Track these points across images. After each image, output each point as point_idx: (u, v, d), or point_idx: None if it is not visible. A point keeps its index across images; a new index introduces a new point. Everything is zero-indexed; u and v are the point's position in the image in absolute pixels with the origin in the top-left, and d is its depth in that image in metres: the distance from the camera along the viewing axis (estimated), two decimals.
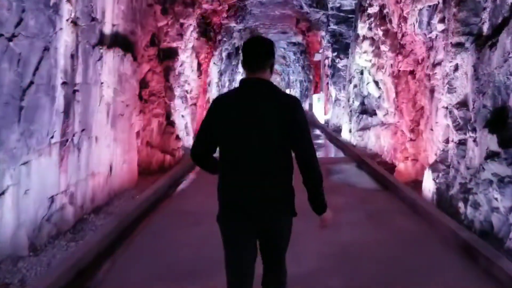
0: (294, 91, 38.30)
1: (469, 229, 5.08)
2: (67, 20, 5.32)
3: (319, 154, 12.08)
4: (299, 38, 25.22)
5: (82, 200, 5.93)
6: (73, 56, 5.53)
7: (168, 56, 10.60)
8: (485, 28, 5.88)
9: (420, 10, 7.51)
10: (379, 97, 12.08)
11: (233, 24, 18.94)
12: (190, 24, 11.55)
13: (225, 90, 23.41)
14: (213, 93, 18.14)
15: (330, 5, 15.45)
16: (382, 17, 10.90)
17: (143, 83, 8.75)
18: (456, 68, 6.33)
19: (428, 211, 5.69)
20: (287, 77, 47.15)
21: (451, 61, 6.39)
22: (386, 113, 11.21)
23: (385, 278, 4.09)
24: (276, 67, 48.38)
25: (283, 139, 2.52)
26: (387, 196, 6.96)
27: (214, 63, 17.93)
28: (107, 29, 6.61)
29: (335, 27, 16.72)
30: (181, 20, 10.87)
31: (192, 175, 8.76)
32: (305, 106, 26.15)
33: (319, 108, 20.57)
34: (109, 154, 6.80)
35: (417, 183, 7.50)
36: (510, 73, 4.98)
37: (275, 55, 2.74)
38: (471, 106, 5.95)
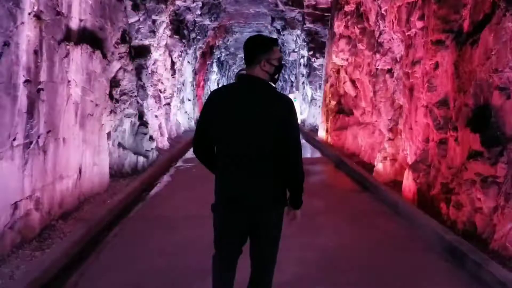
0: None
1: (452, 230, 4.96)
2: (29, 13, 4.97)
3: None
4: (274, 37, 25.06)
5: (49, 205, 5.58)
6: (36, 53, 5.17)
7: (140, 54, 10.27)
8: (466, 25, 5.79)
9: (399, 7, 7.39)
10: (356, 96, 11.99)
11: (207, 22, 18.62)
12: (163, 21, 11.22)
13: (200, 89, 23.07)
14: (187, 92, 17.82)
15: (305, 3, 15.29)
16: (359, 15, 10.80)
17: (114, 82, 8.40)
18: (436, 66, 6.23)
19: (410, 212, 5.55)
20: None
21: (431, 59, 6.28)
22: (363, 112, 11.11)
23: (370, 285, 3.91)
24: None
25: (276, 136, 2.59)
26: (367, 197, 6.81)
27: (188, 61, 17.60)
28: (74, 25, 6.27)
29: (310, 25, 16.59)
30: (153, 17, 10.54)
31: (167, 178, 8.46)
32: None
33: (295, 107, 20.42)
34: (78, 156, 6.45)
35: (396, 183, 7.39)
36: (492, 71, 4.88)
37: (267, 52, 2.68)
38: (452, 105, 5.85)
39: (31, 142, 5.07)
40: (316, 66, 17.80)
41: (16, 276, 3.91)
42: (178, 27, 14.80)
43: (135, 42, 10.05)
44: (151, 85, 11.01)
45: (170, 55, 13.95)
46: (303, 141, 14.88)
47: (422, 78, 6.56)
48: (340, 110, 12.84)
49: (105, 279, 4.08)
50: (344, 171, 8.80)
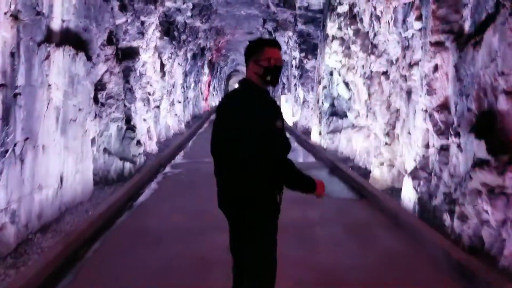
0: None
1: (457, 244, 4.67)
2: (5, 13, 4.64)
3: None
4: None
5: (27, 218, 5.23)
6: (13, 55, 4.83)
7: (128, 56, 9.92)
8: (467, 25, 5.52)
9: (395, 7, 7.13)
10: (349, 98, 11.73)
11: (198, 24, 18.31)
12: (152, 22, 10.88)
13: (190, 91, 22.73)
14: (177, 95, 17.48)
15: (298, 5, 15.04)
16: (352, 16, 10.54)
17: (100, 85, 8.06)
18: (435, 68, 5.95)
19: (413, 225, 5.22)
20: None
21: (430, 61, 6.01)
22: (358, 115, 10.85)
23: None
24: (242, 68, 48.11)
25: (245, 144, 2.55)
26: (365, 207, 6.45)
27: (178, 63, 17.26)
28: (56, 25, 5.92)
29: (303, 27, 16.33)
30: (142, 18, 10.20)
31: (154, 185, 8.10)
32: None
33: (287, 109, 20.16)
34: (59, 164, 6.10)
35: (394, 191, 7.12)
36: (498, 74, 4.60)
37: (258, 54, 2.65)
38: (453, 109, 5.57)
39: (6, 151, 4.73)
40: (308, 68, 17.54)
41: None
42: (168, 28, 14.46)
43: (123, 44, 9.71)
44: (139, 88, 10.66)
45: (160, 57, 13.60)
46: (295, 144, 14.58)
47: (420, 81, 6.29)
48: (333, 112, 12.58)
49: None
50: (339, 177, 8.49)
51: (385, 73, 8.46)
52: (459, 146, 5.23)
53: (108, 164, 8.37)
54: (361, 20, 9.94)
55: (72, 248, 4.56)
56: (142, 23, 10.25)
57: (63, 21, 6.10)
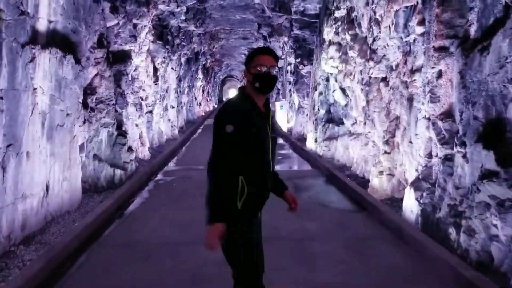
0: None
1: (464, 260, 4.42)
2: None
3: (284, 166, 11.32)
4: (260, 44, 24.55)
5: (9, 229, 4.94)
6: None
7: (120, 59, 9.65)
8: (473, 30, 5.29)
9: (396, 11, 6.90)
10: (346, 105, 11.49)
11: (192, 28, 18.05)
12: (145, 26, 10.61)
13: (184, 97, 22.45)
14: (171, 100, 17.20)
15: (293, 9, 14.79)
16: (350, 21, 10.31)
17: (90, 89, 7.78)
18: (439, 74, 5.71)
19: (418, 240, 4.92)
20: None
21: (433, 67, 5.77)
22: (355, 122, 10.61)
23: None
24: (237, 73, 47.82)
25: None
26: (365, 219, 6.11)
27: (172, 68, 16.99)
28: (42, 26, 5.65)
29: (298, 32, 16.10)
30: (134, 21, 9.93)
31: (145, 193, 7.79)
32: None
33: (282, 115, 19.91)
34: (45, 171, 5.81)
35: (394, 201, 6.86)
36: (508, 81, 4.37)
37: (250, 62, 2.69)
38: (457, 118, 5.34)
39: None
40: (304, 74, 17.31)
41: None
42: (162, 32, 14.20)
43: (114, 47, 9.43)
44: (131, 93, 10.38)
45: (153, 61, 13.33)
46: (290, 151, 14.33)
47: (423, 87, 6.05)
48: (330, 119, 12.33)
49: None
50: (336, 186, 8.22)
51: (384, 79, 8.22)
52: (464, 156, 4.99)
53: (98, 171, 8.07)
54: (359, 25, 9.72)
55: (55, 262, 4.26)
56: (135, 26, 9.98)
57: (50, 22, 5.82)
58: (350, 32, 10.21)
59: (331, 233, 5.49)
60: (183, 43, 17.78)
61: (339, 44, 11.41)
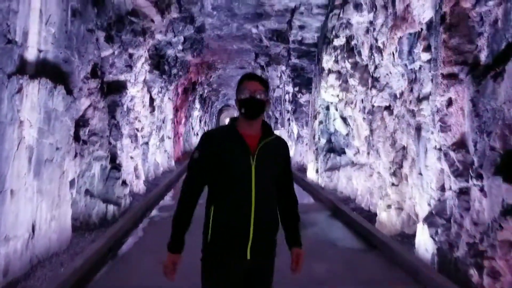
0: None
1: None
2: None
3: None
4: (257, 73, 24.46)
5: None
6: None
7: (115, 90, 9.35)
8: (483, 56, 5.04)
9: (400, 38, 6.67)
10: (347, 134, 11.21)
11: (189, 58, 17.90)
12: (141, 55, 10.38)
13: (181, 127, 22.17)
14: (167, 130, 16.90)
15: (291, 38, 14.69)
16: (349, 49, 10.13)
17: (82, 121, 7.45)
18: (449, 102, 5.43)
19: (438, 283, 4.48)
20: None
21: (442, 95, 5.49)
22: (357, 152, 10.30)
23: None
24: (233, 103, 47.85)
25: None
26: (377, 259, 5.65)
27: (169, 98, 16.75)
28: (31, 55, 5.36)
29: (296, 61, 15.96)
30: (130, 50, 9.68)
31: (139, 232, 7.36)
32: None
33: None
34: (31, 210, 5.41)
35: (404, 237, 6.47)
36: None
37: (237, 90, 2.64)
38: (471, 148, 5.01)
39: None
40: (302, 102, 17.11)
41: None
42: (158, 62, 13.99)
43: (109, 77, 9.15)
44: (126, 124, 10.05)
45: (149, 91, 13.08)
46: None
47: (432, 116, 5.75)
48: (331, 149, 12.03)
49: None
50: (342, 221, 7.79)
51: (388, 108, 7.95)
52: (482, 189, 4.65)
53: (89, 208, 7.66)
54: (359, 53, 9.53)
55: None
56: (130, 55, 9.73)
57: (39, 51, 5.53)
58: (350, 60, 10.02)
59: (342, 276, 5.05)
60: (180, 72, 17.59)
61: (338, 72, 11.20)
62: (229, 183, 2.51)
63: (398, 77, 7.32)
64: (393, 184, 7.10)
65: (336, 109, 11.52)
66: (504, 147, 4.39)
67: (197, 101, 28.00)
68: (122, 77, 9.59)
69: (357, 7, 8.58)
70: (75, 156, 6.78)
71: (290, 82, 17.69)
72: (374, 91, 8.28)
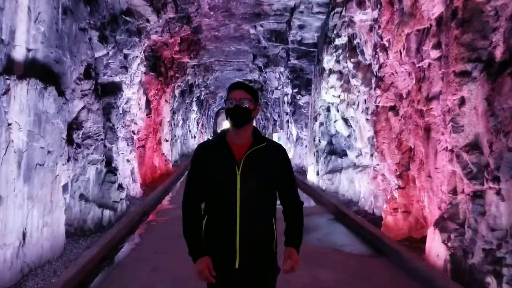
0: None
1: None
2: None
3: None
4: (255, 75, 24.17)
5: None
6: None
7: (110, 91, 9.06)
8: (499, 52, 4.77)
9: (408, 35, 6.40)
10: (349, 136, 10.95)
11: (186, 59, 17.61)
12: (137, 56, 10.09)
13: (178, 129, 21.88)
14: (165, 133, 16.61)
15: (290, 39, 14.41)
16: (352, 49, 9.87)
17: (75, 124, 7.15)
18: (461, 102, 5.14)
19: None
20: None
21: (454, 94, 5.21)
22: (359, 154, 10.03)
23: None
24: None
25: None
26: (386, 266, 5.31)
27: (166, 100, 16.46)
28: (19, 55, 5.07)
29: (295, 61, 15.69)
30: (125, 51, 9.40)
31: (136, 238, 7.06)
32: None
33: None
34: (21, 217, 5.12)
35: (412, 242, 6.20)
36: None
37: (224, 100, 2.68)
38: (486, 149, 4.74)
39: None
40: (302, 104, 16.84)
41: None
42: (155, 63, 13.70)
43: (104, 79, 8.86)
44: (122, 126, 9.76)
45: (146, 93, 12.78)
46: None
47: (442, 116, 5.48)
48: (332, 151, 11.76)
49: None
50: (346, 225, 7.49)
51: (393, 108, 7.67)
52: (499, 193, 4.38)
53: (84, 213, 7.36)
54: (362, 52, 9.26)
55: None
56: (125, 56, 9.44)
57: (28, 50, 5.25)
58: (352, 60, 9.76)
59: (348, 284, 4.76)
60: (177, 74, 17.30)
61: (340, 72, 10.94)
62: (216, 193, 2.56)
63: (404, 76, 7.05)
64: (399, 187, 6.82)
65: (338, 110, 11.25)
66: None
67: (194, 103, 27.70)
68: (117, 79, 9.30)
69: (360, 4, 8.31)
70: (68, 160, 6.48)
71: (289, 83, 17.43)
72: (378, 91, 8.01)
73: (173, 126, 19.28)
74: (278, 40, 15.61)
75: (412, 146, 6.73)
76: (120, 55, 9.19)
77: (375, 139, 8.21)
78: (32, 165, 5.33)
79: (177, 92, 19.40)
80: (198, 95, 27.79)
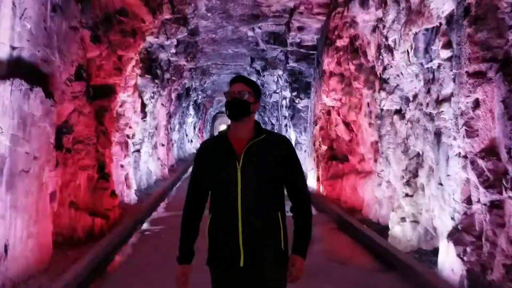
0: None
1: None
2: None
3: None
4: (252, 79, 23.83)
5: None
6: None
7: (103, 94, 8.68)
8: None
9: (415, 34, 6.07)
10: (350, 140, 10.61)
11: (183, 62, 17.28)
12: (131, 58, 9.73)
13: (175, 133, 21.51)
14: (161, 137, 16.24)
15: (289, 41, 14.08)
16: (353, 50, 9.55)
17: (65, 127, 6.79)
18: (476, 104, 4.81)
19: None
20: None
21: (468, 96, 4.88)
22: (362, 159, 9.69)
23: None
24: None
25: None
26: (397, 283, 4.90)
27: (162, 104, 16.11)
28: (3, 53, 4.74)
29: (294, 64, 15.39)
30: (119, 52, 9.04)
31: (128, 248, 6.67)
32: None
33: None
34: (3, 228, 4.76)
35: (422, 254, 5.85)
36: None
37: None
38: (504, 155, 4.41)
39: None
40: (301, 108, 16.53)
41: None
42: (150, 66, 13.35)
43: (96, 80, 8.48)
44: (116, 130, 9.40)
45: (141, 97, 12.42)
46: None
47: (454, 120, 5.14)
48: (333, 156, 11.41)
49: None
50: (351, 235, 7.09)
51: (398, 112, 7.35)
52: None
53: (74, 221, 6.98)
54: (365, 54, 8.93)
55: None
56: (120, 57, 9.08)
57: (13, 48, 4.90)
58: (354, 62, 9.44)
59: None
60: (173, 77, 16.97)
61: (341, 75, 10.62)
62: (218, 188, 2.55)
63: (411, 78, 6.73)
64: (407, 195, 6.48)
65: (339, 114, 10.92)
66: None
67: (191, 107, 27.36)
68: (110, 81, 8.93)
69: (363, 3, 7.99)
70: (57, 165, 6.11)
71: (288, 86, 17.12)
72: (383, 94, 7.68)
73: (169, 130, 18.91)
74: (277, 42, 15.29)
75: (420, 152, 6.39)
76: (114, 57, 8.82)
77: (379, 144, 7.88)
78: (16, 172, 4.96)
79: (173, 95, 19.04)
80: (195, 99, 27.46)
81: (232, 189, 2.46)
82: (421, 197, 6.27)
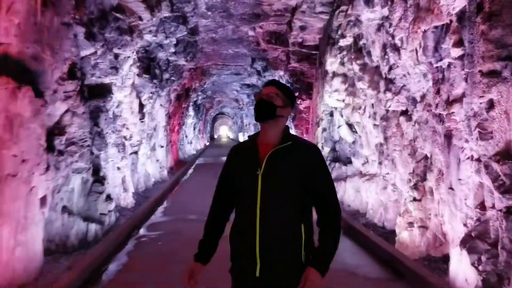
0: (248, 135, 36.60)
1: None
2: None
3: None
4: (253, 79, 23.56)
5: None
6: None
7: (98, 94, 8.42)
8: None
9: (424, 32, 5.79)
10: (353, 142, 10.33)
11: (182, 62, 17.01)
12: (128, 56, 9.47)
13: (174, 135, 21.22)
14: (159, 138, 15.96)
15: (291, 41, 13.80)
16: (357, 50, 9.27)
17: (57, 129, 6.50)
18: (490, 105, 4.53)
19: None
20: (240, 120, 45.69)
21: (481, 96, 4.59)
22: (366, 161, 9.40)
23: None
24: (228, 110, 46.93)
25: None
26: None
27: (161, 104, 15.83)
28: None
29: (296, 65, 15.09)
30: (116, 50, 8.78)
31: (124, 257, 6.36)
32: None
33: None
34: None
35: (431, 261, 5.57)
36: None
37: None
38: None
39: None
40: (302, 109, 16.22)
41: None
42: (149, 65, 13.05)
43: (92, 80, 8.22)
44: (112, 132, 9.11)
45: (139, 97, 12.13)
46: None
47: (466, 121, 4.86)
48: (335, 158, 11.14)
49: None
50: (357, 241, 6.80)
51: (405, 113, 7.07)
52: None
53: (67, 227, 6.70)
54: (369, 53, 8.65)
55: None
56: (116, 56, 8.82)
57: None
58: (358, 62, 9.16)
59: None
60: (172, 78, 16.68)
61: (344, 75, 10.34)
62: (240, 193, 2.51)
63: (418, 78, 6.45)
64: (414, 199, 6.20)
65: (342, 115, 10.65)
66: None
67: (191, 108, 27.09)
68: (106, 80, 8.67)
69: (368, 1, 7.71)
70: (48, 169, 5.82)
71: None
72: (388, 94, 7.41)
73: (168, 131, 18.63)
74: (278, 42, 15.01)
75: (429, 154, 6.11)
76: (110, 55, 8.56)
77: (385, 146, 7.59)
78: (2, 176, 4.68)
79: (172, 96, 18.76)
80: (194, 99, 27.19)
81: (252, 196, 2.41)
82: (430, 201, 5.99)
